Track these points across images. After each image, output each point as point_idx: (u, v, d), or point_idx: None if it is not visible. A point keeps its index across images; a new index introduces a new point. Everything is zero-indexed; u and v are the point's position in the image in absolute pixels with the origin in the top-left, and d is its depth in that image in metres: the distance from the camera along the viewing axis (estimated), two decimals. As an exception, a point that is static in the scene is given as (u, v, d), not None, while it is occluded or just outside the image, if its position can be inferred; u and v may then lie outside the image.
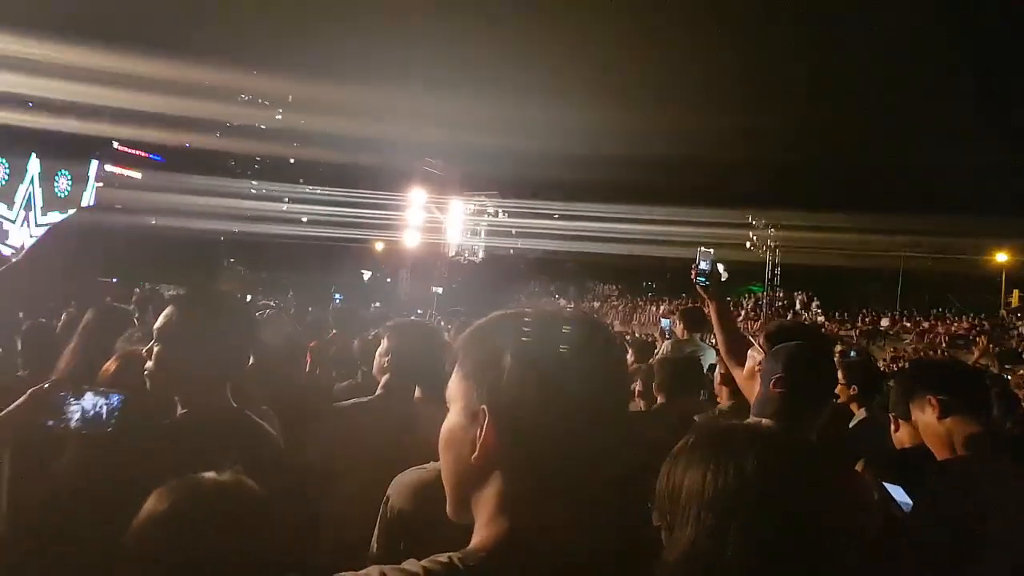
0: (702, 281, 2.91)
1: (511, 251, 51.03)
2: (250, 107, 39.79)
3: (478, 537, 0.91)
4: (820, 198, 33.90)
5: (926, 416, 2.04)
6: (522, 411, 0.89)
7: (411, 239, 37.72)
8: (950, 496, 1.87)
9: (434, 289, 33.61)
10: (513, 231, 44.26)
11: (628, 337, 13.67)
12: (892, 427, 2.74)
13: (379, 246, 40.21)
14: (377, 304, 22.42)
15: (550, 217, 39.22)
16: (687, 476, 1.02)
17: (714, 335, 3.11)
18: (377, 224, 36.15)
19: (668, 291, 40.89)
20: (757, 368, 2.55)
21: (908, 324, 28.46)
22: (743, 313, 32.26)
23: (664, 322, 8.77)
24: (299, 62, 33.56)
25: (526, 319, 0.95)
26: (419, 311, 23.72)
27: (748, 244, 31.81)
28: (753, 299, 35.47)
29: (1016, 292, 33.93)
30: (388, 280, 41.61)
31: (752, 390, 2.58)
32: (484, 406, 0.91)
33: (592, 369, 0.92)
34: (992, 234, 34.76)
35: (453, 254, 43.28)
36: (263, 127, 41.64)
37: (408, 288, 37.84)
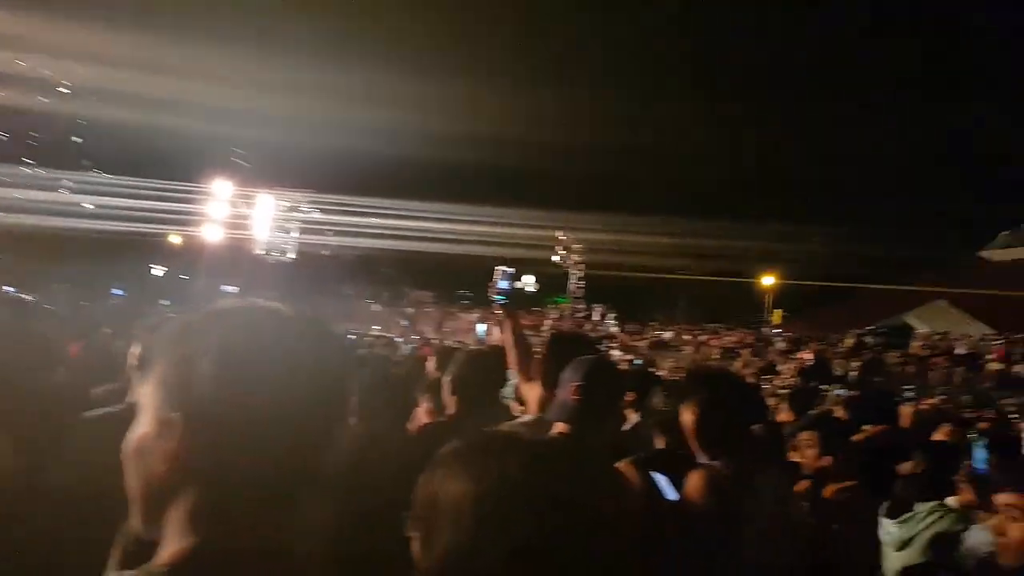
0: (500, 299, 2.98)
1: (324, 251, 49.47)
2: (28, 76, 34.96)
3: (164, 553, 0.85)
4: (625, 214, 36.45)
5: (691, 418, 2.21)
6: (218, 420, 0.83)
7: (213, 234, 35.33)
8: (713, 491, 2.03)
9: (227, 289, 31.34)
10: (328, 230, 42.95)
11: (435, 345, 13.71)
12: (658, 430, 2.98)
13: (176, 240, 37.30)
14: (167, 302, 20.77)
15: (366, 215, 38.43)
16: (448, 482, 0.99)
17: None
18: (175, 216, 33.50)
19: (484, 301, 41.54)
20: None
21: (687, 337, 31.08)
22: (547, 323, 33.59)
23: (479, 328, 8.76)
24: (96, 22, 29.50)
25: (230, 317, 0.89)
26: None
27: (555, 258, 33.25)
28: (557, 310, 37.09)
29: (778, 312, 38.63)
30: (185, 277, 38.71)
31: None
32: (176, 414, 0.84)
33: (305, 373, 0.87)
34: (761, 258, 39.64)
35: (260, 252, 41.16)
36: (44, 100, 37.02)
37: (206, 286, 35.39)
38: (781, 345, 27.40)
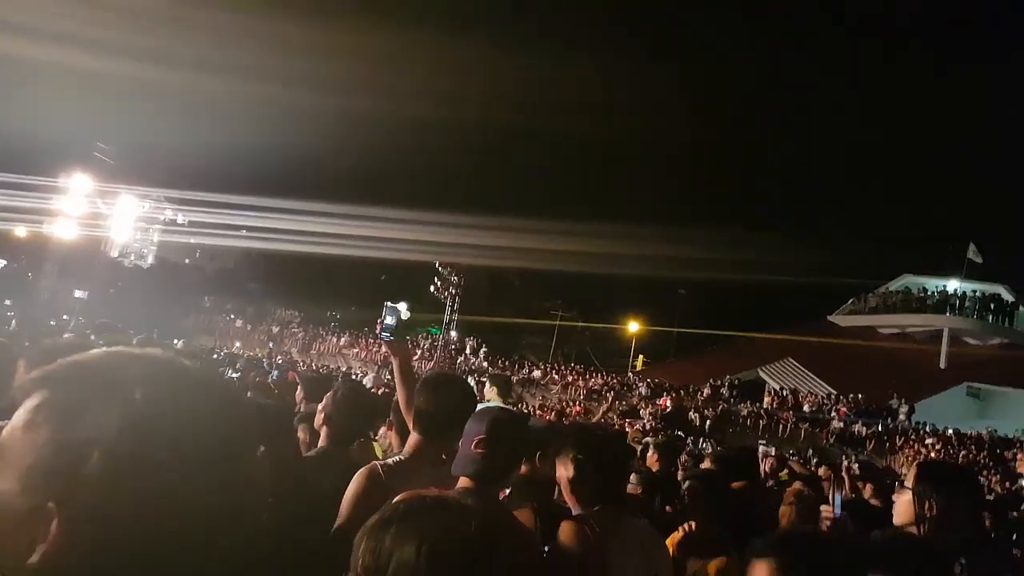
0: (386, 337, 2.96)
1: (187, 260, 46.86)
2: None
3: None
4: (502, 241, 37.00)
5: (566, 472, 2.24)
6: (104, 519, 0.67)
7: (64, 231, 32.55)
8: (578, 544, 2.04)
9: (77, 293, 28.65)
10: (192, 239, 40.74)
11: (301, 372, 13.20)
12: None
13: (20, 232, 34.11)
14: (8, 303, 18.95)
15: (236, 215, 36.77)
16: (397, 548, 0.99)
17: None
18: (22, 211, 30.61)
19: (352, 324, 40.88)
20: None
21: (556, 376, 31.71)
22: (419, 352, 33.31)
23: None
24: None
25: (135, 389, 0.71)
26: (64, 317, 20.67)
27: (432, 288, 33.16)
28: (429, 339, 36.89)
29: (641, 357, 40.30)
30: (29, 275, 35.46)
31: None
32: (52, 504, 0.67)
33: (211, 463, 0.72)
34: (628, 306, 41.34)
35: (116, 255, 38.42)
36: None
37: (52, 287, 32.54)
38: (643, 390, 28.53)
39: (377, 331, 2.99)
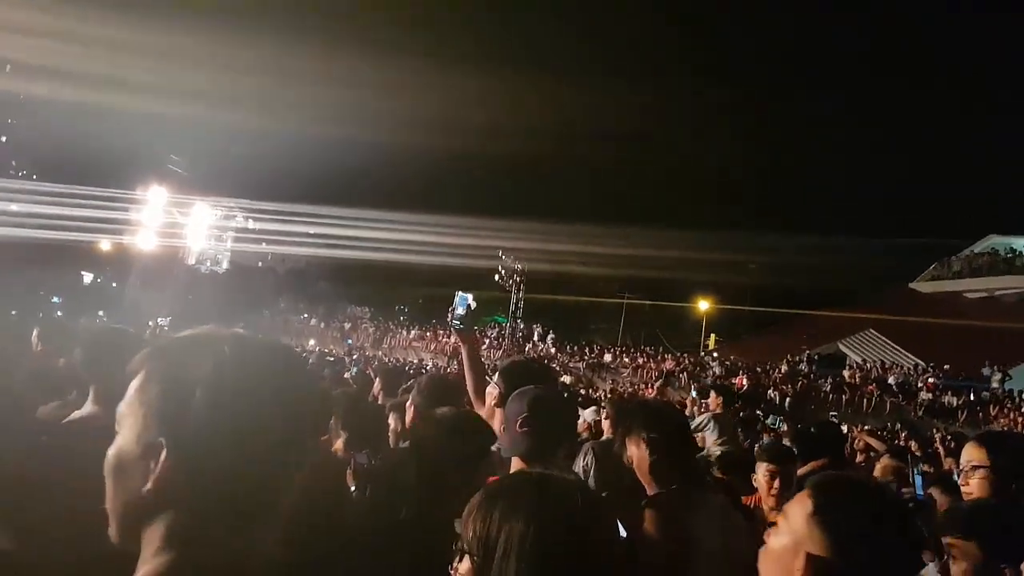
0: (457, 325, 3.07)
1: (260, 263, 48.42)
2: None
3: (143, 570, 0.86)
4: (566, 235, 36.91)
5: (639, 451, 2.22)
6: (206, 448, 0.85)
7: (145, 241, 34.11)
8: (662, 523, 2.02)
9: (160, 320, 29.28)
10: (264, 242, 42.09)
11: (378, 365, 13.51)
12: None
13: (105, 246, 35.82)
14: (101, 314, 20.00)
15: (304, 223, 37.76)
16: (507, 522, 1.03)
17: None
18: (107, 224, 32.14)
19: (420, 316, 41.52)
20: (494, 403, 2.63)
21: (626, 360, 31.42)
22: (487, 342, 33.55)
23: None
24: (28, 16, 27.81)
25: (222, 345, 0.90)
26: (150, 324, 21.69)
27: (496, 276, 33.35)
28: (497, 328, 37.11)
29: (713, 336, 39.53)
30: (115, 285, 37.25)
31: (494, 424, 2.65)
32: (163, 439, 0.85)
33: (286, 405, 0.91)
34: (697, 283, 40.53)
35: (193, 261, 40.02)
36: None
37: (139, 295, 34.09)
38: (717, 370, 28.00)
39: (449, 319, 3.11)
